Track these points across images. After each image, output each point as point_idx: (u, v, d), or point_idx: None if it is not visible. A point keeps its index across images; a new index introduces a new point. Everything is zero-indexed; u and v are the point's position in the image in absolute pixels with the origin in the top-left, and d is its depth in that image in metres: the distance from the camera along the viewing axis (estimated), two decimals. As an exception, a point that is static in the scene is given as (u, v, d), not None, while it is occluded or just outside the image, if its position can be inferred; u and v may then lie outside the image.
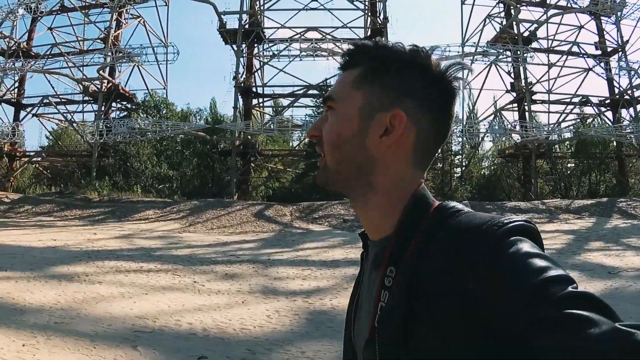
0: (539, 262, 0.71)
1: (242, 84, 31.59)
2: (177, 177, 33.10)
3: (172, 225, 21.71)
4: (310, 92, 33.05)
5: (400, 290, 0.81)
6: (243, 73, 32.10)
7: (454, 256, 0.76)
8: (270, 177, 34.80)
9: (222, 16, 31.95)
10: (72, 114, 35.97)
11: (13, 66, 32.09)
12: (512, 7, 32.98)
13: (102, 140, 28.93)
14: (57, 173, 36.01)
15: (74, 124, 34.89)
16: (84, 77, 33.42)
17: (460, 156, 36.81)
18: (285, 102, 35.62)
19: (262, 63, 35.00)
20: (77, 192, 28.10)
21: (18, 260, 11.30)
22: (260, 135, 31.35)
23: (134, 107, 34.86)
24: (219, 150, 32.01)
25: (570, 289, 0.67)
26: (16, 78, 34.16)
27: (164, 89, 36.48)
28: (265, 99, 34.86)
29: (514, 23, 32.54)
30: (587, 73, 34.75)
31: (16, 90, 35.27)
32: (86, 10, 35.38)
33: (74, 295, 8.47)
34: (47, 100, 34.83)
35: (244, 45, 32.00)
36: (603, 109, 34.68)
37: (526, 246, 0.74)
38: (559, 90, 34.82)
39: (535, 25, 32.94)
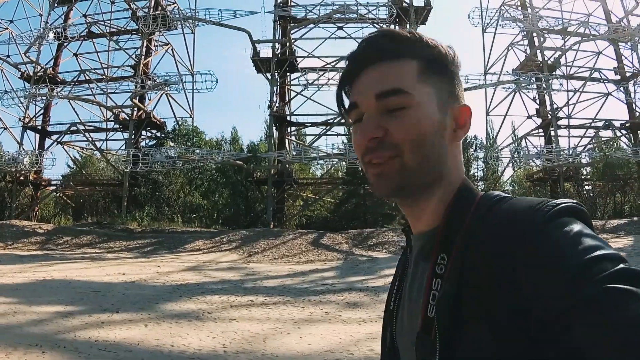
0: (588, 241, 0.70)
1: (277, 113, 31.78)
2: (208, 206, 32.98)
3: (230, 256, 21.58)
4: (342, 119, 33.24)
5: (453, 277, 0.81)
6: (276, 101, 32.26)
7: (503, 239, 0.76)
8: (306, 205, 34.85)
9: (255, 45, 32.23)
10: (98, 142, 35.63)
11: (40, 92, 31.57)
12: (536, 36, 33.88)
13: (137, 169, 28.65)
14: (81, 202, 35.60)
15: (103, 152, 34.52)
16: (114, 104, 33.19)
17: (483, 182, 37.44)
18: (311, 131, 35.88)
19: (294, 93, 35.20)
20: (116, 223, 27.72)
21: (113, 299, 11.15)
22: (295, 163, 31.56)
23: (162, 135, 34.71)
24: (254, 179, 32.03)
25: (621, 266, 0.66)
26: (42, 104, 33.66)
27: (191, 117, 36.49)
28: (298, 127, 34.96)
29: (538, 51, 33.44)
30: (607, 97, 35.86)
31: (41, 117, 34.80)
32: (115, 37, 35.15)
33: (228, 335, 8.23)
34: (75, 128, 34.39)
35: (276, 74, 32.22)
36: (624, 132, 35.67)
37: (576, 226, 0.73)
38: (579, 114, 35.85)
39: (559, 52, 33.90)
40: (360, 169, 29.60)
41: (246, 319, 9.58)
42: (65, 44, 35.37)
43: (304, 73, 33.80)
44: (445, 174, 0.92)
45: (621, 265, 0.65)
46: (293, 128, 34.77)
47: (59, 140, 34.80)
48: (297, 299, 11.95)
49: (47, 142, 35.09)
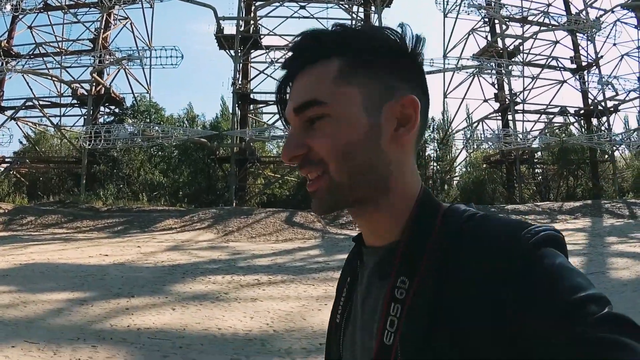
0: (576, 279, 0.68)
1: (240, 90, 31.50)
2: (168, 184, 32.53)
3: (206, 234, 21.43)
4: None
5: (421, 304, 0.75)
6: (239, 79, 31.95)
7: (485, 266, 0.72)
8: (269, 184, 34.76)
9: (220, 21, 31.74)
10: (54, 119, 34.57)
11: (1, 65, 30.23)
12: (498, 23, 34.60)
13: (98, 146, 27.94)
14: (37, 181, 34.51)
15: (60, 128, 33.48)
16: (72, 79, 32.20)
17: (436, 163, 38.31)
18: (273, 109, 35.53)
19: (257, 71, 34.87)
20: (80, 201, 27.02)
21: (116, 283, 10.97)
22: (258, 141, 31.43)
23: (121, 111, 33.88)
24: (217, 157, 31.68)
25: (607, 309, 0.64)
26: None
27: (148, 93, 35.68)
28: (260, 105, 34.69)
29: (500, 38, 34.24)
30: (562, 85, 37.05)
31: (-6, 92, 33.35)
32: (74, 10, 33.95)
33: (264, 315, 8.27)
34: (30, 103, 33.19)
35: (239, 52, 31.89)
36: (577, 118, 36.93)
37: (561, 259, 0.71)
38: (534, 100, 36.99)
39: (520, 40, 34.75)
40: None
41: (267, 298, 9.73)
42: (20, 16, 33.90)
43: (267, 51, 33.57)
44: (390, 184, 0.82)
45: (606, 310, 0.63)
46: (263, 106, 34.39)
47: (12, 116, 33.52)
48: (300, 277, 12.11)
49: (1, 118, 33.72)
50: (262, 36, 33.03)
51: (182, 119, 35.62)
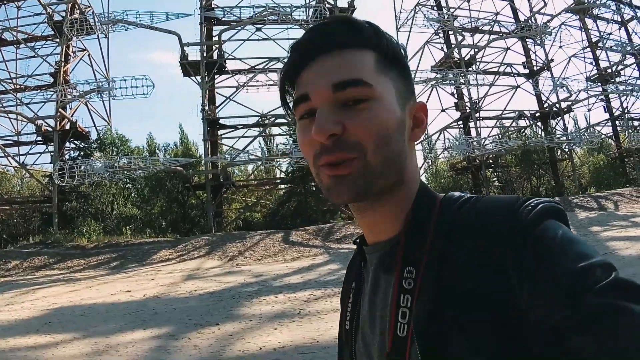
0: (580, 247, 0.67)
1: (210, 116, 31.33)
2: (141, 216, 31.92)
3: (210, 262, 21.31)
4: (279, 120, 33.06)
5: (429, 291, 0.74)
6: (206, 105, 31.77)
7: (486, 246, 0.71)
8: (247, 207, 34.53)
9: (184, 47, 31.61)
10: (14, 158, 33.29)
11: None
12: (453, 34, 35.84)
13: (73, 182, 27.14)
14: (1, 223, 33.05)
15: (27, 168, 32.28)
16: (36, 115, 31.19)
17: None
18: (239, 133, 35.56)
19: (222, 96, 34.59)
20: (58, 241, 26.15)
21: (178, 315, 11.10)
22: (232, 166, 31.29)
23: (86, 146, 33.03)
24: (192, 184, 31.38)
25: (614, 275, 0.64)
26: None
27: (109, 125, 34.96)
28: (229, 130, 34.51)
29: (457, 48, 35.50)
30: (516, 90, 38.62)
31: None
32: (31, 44, 32.95)
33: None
34: None
35: (206, 77, 31.76)
36: (533, 120, 38.56)
37: (562, 230, 0.70)
38: (490, 106, 38.48)
39: (475, 49, 36.12)
40: (301, 167, 30.13)
41: (331, 311, 9.97)
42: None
43: (233, 75, 33.55)
44: (405, 176, 0.85)
45: (614, 275, 0.64)
46: (231, 131, 34.23)
47: None
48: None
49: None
50: (226, 60, 32.95)
51: (153, 149, 35.00)
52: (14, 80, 34.43)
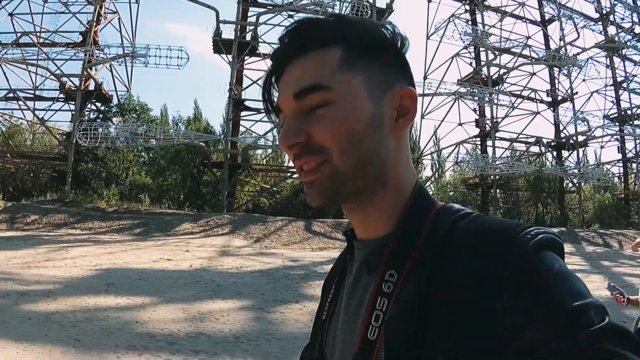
0: (576, 285, 0.65)
1: (236, 96, 31.18)
2: (154, 186, 31.65)
3: (238, 241, 21.33)
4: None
5: (408, 299, 0.71)
6: (234, 85, 31.57)
7: (480, 265, 0.68)
8: (261, 192, 34.41)
9: (219, 24, 31.36)
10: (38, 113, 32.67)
11: None
12: (485, 51, 36.16)
13: (96, 144, 26.81)
14: (6, 177, 32.50)
15: (46, 123, 31.73)
16: (61, 72, 30.67)
17: (425, 182, 39.46)
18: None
19: (249, 78, 34.50)
20: (84, 201, 25.84)
21: (243, 288, 11.28)
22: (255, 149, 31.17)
23: (106, 109, 32.64)
24: (210, 162, 31.14)
25: (607, 320, 0.62)
26: None
27: (128, 91, 34.62)
28: (251, 113, 34.29)
29: (487, 66, 35.83)
30: (535, 116, 39.06)
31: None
32: (65, 0, 32.38)
33: None
34: (15, 95, 31.29)
35: (235, 57, 31.54)
36: (549, 149, 39.07)
37: (561, 264, 0.68)
38: (507, 128, 38.91)
39: (504, 70, 36.46)
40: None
41: None
42: (2, 1, 32.09)
43: (263, 58, 33.42)
44: (389, 174, 0.81)
45: (607, 320, 0.62)
46: (254, 114, 34.08)
47: None
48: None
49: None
50: (258, 43, 32.75)
51: (165, 120, 34.63)
52: (38, 35, 33.83)
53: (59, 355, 6.11)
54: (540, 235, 0.69)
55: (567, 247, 24.26)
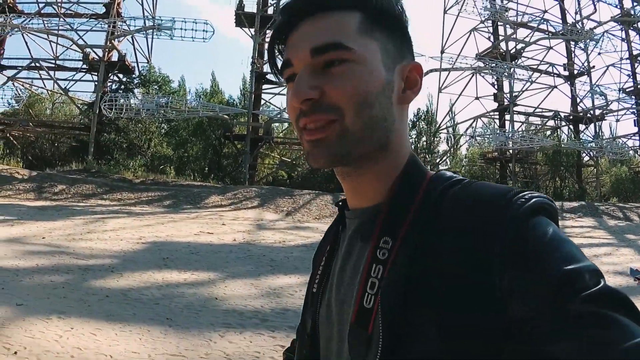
0: (570, 249, 0.64)
1: (259, 70, 31.22)
2: (174, 157, 31.89)
3: (269, 214, 21.56)
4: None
5: (402, 263, 0.71)
6: (256, 58, 31.57)
7: (472, 231, 0.68)
8: (282, 165, 34.65)
9: (243, -2, 31.20)
10: (57, 82, 32.56)
11: (4, 22, 28.33)
12: (502, 25, 36.08)
13: (121, 115, 26.96)
14: (28, 145, 32.75)
15: (69, 93, 31.87)
16: (85, 43, 30.68)
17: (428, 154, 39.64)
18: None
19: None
20: (110, 172, 26.10)
21: (298, 263, 11.52)
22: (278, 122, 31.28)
23: (128, 80, 32.71)
24: (232, 134, 31.40)
25: (602, 283, 0.61)
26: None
27: (149, 63, 34.61)
28: (273, 86, 34.31)
29: (505, 41, 35.74)
30: (552, 90, 39.11)
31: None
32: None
33: None
34: (38, 64, 31.32)
35: (258, 31, 31.49)
36: (566, 122, 39.25)
37: (552, 228, 0.67)
38: (524, 102, 38.85)
39: (522, 44, 36.42)
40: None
41: None
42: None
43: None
44: (391, 141, 0.82)
45: (602, 283, 0.61)
46: (276, 87, 34.10)
47: (14, 76, 31.51)
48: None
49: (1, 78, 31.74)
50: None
51: (183, 92, 34.76)
52: (60, 5, 33.66)
53: (160, 335, 6.13)
54: (533, 200, 0.69)
55: (590, 221, 24.54)
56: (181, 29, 29.77)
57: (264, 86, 33.47)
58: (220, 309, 7.68)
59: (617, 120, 39.69)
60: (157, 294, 8.35)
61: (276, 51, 0.85)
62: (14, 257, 10.01)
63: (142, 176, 26.27)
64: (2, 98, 32.44)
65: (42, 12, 32.51)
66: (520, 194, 0.69)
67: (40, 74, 33.08)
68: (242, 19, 31.54)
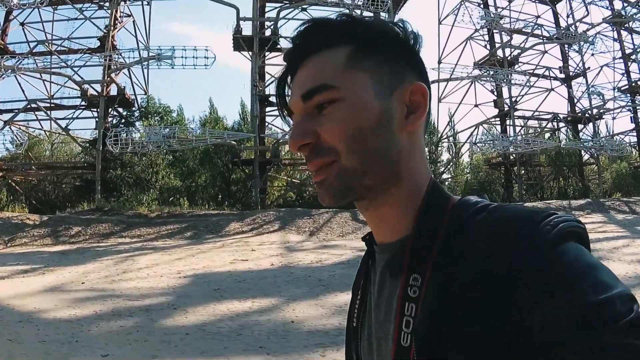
0: (602, 276, 0.61)
1: (261, 92, 31.12)
2: (182, 188, 31.59)
3: (294, 236, 21.32)
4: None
5: (432, 301, 0.70)
6: (257, 81, 31.46)
7: (497, 260, 0.65)
8: (292, 185, 34.43)
9: (240, 21, 31.22)
10: (57, 121, 32.02)
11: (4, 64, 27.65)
12: (498, 33, 36.55)
13: (127, 150, 26.67)
14: (31, 189, 32.25)
15: (70, 132, 31.35)
16: (82, 79, 30.31)
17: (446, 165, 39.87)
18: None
19: (269, 74, 34.41)
20: (124, 209, 25.65)
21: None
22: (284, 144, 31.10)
23: (129, 113, 32.43)
24: (240, 160, 31.15)
25: (635, 311, 0.59)
26: None
27: (146, 94, 34.26)
28: (276, 108, 34.19)
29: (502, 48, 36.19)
30: (549, 92, 39.59)
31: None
32: (79, 6, 31.88)
33: None
34: (35, 105, 30.80)
35: (256, 53, 31.44)
36: (565, 124, 39.69)
37: (583, 255, 0.64)
38: (523, 106, 39.27)
39: (518, 50, 36.91)
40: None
41: None
42: (13, 11, 31.44)
43: (284, 52, 33.22)
44: (402, 172, 0.80)
45: (634, 312, 0.59)
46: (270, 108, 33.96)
47: (11, 120, 30.65)
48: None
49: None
50: (279, 38, 32.63)
51: (205, 120, 34.50)
52: (50, 42, 33.43)
53: (267, 366, 5.97)
54: (561, 225, 0.66)
55: (598, 217, 24.69)
56: (182, 57, 29.55)
57: (267, 108, 33.30)
58: (303, 331, 7.74)
59: (614, 118, 40.30)
60: (233, 325, 8.30)
61: (286, 98, 0.86)
62: (66, 307, 9.74)
63: (157, 210, 25.89)
64: (3, 143, 31.63)
65: (34, 51, 32.18)
66: (547, 219, 0.66)
67: (36, 115, 32.58)
68: (241, 42, 31.36)
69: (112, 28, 30.69)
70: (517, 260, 0.63)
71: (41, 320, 8.65)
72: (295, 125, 0.80)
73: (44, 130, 34.14)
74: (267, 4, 33.96)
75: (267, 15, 33.27)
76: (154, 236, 22.06)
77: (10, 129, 31.50)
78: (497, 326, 0.62)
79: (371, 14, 33.39)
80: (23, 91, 33.01)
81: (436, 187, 0.81)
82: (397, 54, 0.81)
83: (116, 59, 30.01)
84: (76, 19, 33.41)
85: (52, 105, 32.70)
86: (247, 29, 32.03)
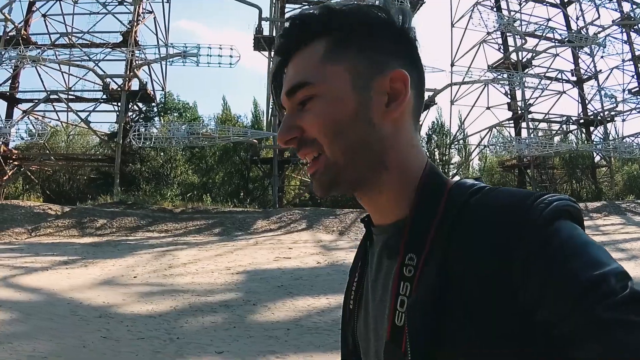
0: (596, 253, 0.63)
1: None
2: (199, 184, 31.62)
3: (324, 235, 21.53)
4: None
5: (427, 281, 0.70)
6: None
7: (493, 240, 0.67)
8: (306, 186, 34.38)
9: (261, 22, 31.41)
10: (77, 113, 32.26)
11: (22, 54, 27.61)
12: (512, 36, 36.81)
13: (150, 144, 26.70)
14: (45, 179, 32.19)
15: (90, 125, 31.49)
16: (105, 73, 30.35)
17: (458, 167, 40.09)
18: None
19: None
20: (149, 203, 25.71)
21: None
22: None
23: (148, 109, 32.44)
24: (259, 158, 31.20)
25: (630, 287, 0.59)
26: (12, 68, 29.63)
27: (163, 90, 34.37)
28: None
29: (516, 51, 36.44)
30: (561, 95, 39.90)
31: (9, 82, 30.57)
32: (103, 1, 31.92)
33: None
34: (56, 96, 30.75)
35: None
36: (578, 126, 40.07)
37: (577, 232, 0.66)
38: (535, 109, 39.50)
39: (532, 53, 37.17)
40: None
41: None
42: (36, 3, 31.51)
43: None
44: (390, 160, 0.80)
45: (630, 288, 0.59)
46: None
47: (31, 109, 30.95)
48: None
49: (16, 111, 31.23)
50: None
51: (221, 119, 34.50)
52: (70, 36, 33.34)
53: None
54: (555, 203, 0.67)
55: (616, 219, 24.95)
56: (207, 55, 29.52)
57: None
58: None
59: (624, 120, 40.53)
60: (326, 320, 8.39)
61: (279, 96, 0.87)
62: (137, 302, 9.79)
63: (180, 205, 25.90)
64: (17, 131, 31.42)
65: (55, 43, 32.14)
66: (541, 198, 0.68)
67: (54, 106, 32.56)
68: (262, 42, 31.50)
69: (135, 23, 30.65)
70: (513, 240, 0.65)
71: (121, 316, 8.64)
72: (283, 120, 0.82)
73: (62, 122, 34.04)
74: (287, 5, 34.11)
75: (287, 16, 33.15)
76: (182, 231, 22.16)
77: (29, 118, 31.54)
78: (495, 301, 0.64)
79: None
80: (42, 82, 32.75)
81: (432, 170, 0.82)
82: (377, 41, 0.80)
83: (138, 55, 30.05)
84: (97, 13, 33.44)
85: (74, 97, 32.76)
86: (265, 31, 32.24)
